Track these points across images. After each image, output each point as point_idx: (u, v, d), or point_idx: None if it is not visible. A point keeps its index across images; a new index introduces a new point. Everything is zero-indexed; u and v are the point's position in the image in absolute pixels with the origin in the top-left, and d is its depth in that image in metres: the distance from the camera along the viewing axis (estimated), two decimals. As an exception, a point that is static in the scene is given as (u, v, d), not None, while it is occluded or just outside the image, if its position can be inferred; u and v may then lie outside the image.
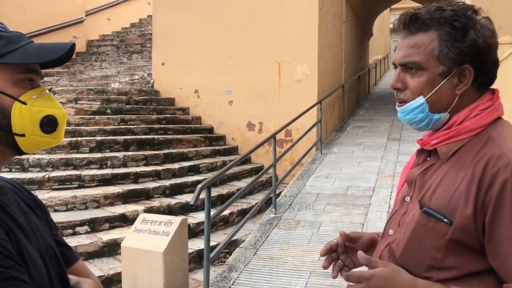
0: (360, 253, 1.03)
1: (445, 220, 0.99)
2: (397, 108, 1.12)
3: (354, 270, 1.03)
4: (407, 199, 1.12)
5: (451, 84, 1.05)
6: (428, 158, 1.12)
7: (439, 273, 1.00)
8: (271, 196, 5.68)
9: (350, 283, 1.02)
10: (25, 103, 0.93)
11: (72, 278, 1.08)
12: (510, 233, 0.93)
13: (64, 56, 0.95)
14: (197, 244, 5.10)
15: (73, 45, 0.96)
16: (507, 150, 0.97)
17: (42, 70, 1.00)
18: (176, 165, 6.95)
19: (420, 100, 1.07)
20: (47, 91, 0.99)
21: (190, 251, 4.60)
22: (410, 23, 1.07)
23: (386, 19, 24.67)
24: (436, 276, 1.01)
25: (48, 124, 0.96)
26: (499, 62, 1.09)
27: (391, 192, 5.94)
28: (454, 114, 1.07)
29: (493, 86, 1.10)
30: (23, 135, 0.93)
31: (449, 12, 1.03)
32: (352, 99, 12.52)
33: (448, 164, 1.05)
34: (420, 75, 1.06)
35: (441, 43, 1.03)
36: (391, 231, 1.14)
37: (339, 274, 1.15)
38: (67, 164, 6.09)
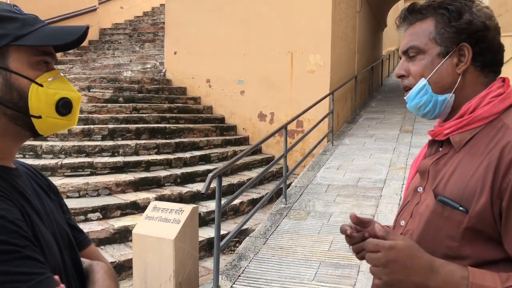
0: (378, 226, 1.02)
1: (460, 208, 0.98)
2: (405, 98, 1.15)
3: (371, 239, 0.98)
4: (420, 189, 1.12)
5: (451, 63, 1.07)
6: (440, 149, 1.12)
7: (454, 262, 0.99)
8: (281, 186, 5.68)
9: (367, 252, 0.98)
10: (41, 85, 0.93)
11: (85, 261, 1.10)
12: None
13: (79, 38, 0.95)
14: (207, 233, 5.14)
15: (87, 28, 0.96)
16: None
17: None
18: (187, 154, 6.98)
19: (423, 81, 1.09)
20: (62, 74, 0.99)
21: (200, 239, 4.63)
22: (409, 15, 1.13)
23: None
24: None
25: (64, 107, 0.96)
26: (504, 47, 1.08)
27: (403, 184, 5.91)
28: (460, 95, 1.08)
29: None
30: (39, 117, 0.94)
31: None
32: (364, 91, 12.43)
33: (462, 152, 1.05)
34: (421, 59, 1.10)
35: (437, 25, 1.08)
36: (402, 222, 1.14)
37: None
38: (80, 151, 6.15)
